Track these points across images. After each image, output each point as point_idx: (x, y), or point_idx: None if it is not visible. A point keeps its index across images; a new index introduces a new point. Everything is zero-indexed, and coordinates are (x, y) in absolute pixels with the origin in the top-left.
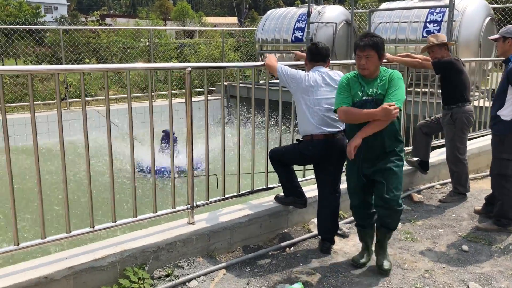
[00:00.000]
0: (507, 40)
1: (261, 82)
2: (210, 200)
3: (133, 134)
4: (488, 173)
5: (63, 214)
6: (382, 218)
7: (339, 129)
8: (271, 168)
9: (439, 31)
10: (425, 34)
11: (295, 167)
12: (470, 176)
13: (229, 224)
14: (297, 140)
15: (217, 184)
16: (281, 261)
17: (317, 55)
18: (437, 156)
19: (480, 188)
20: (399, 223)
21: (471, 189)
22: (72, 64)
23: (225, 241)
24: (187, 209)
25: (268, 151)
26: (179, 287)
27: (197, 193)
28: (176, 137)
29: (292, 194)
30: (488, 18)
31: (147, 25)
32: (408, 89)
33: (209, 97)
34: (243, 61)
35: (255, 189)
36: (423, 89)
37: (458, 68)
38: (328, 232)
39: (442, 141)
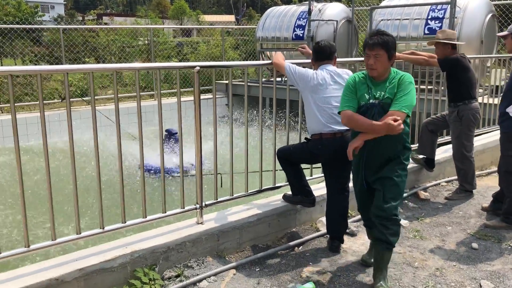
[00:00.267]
0: None
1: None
2: (218, 199)
3: (134, 133)
4: (492, 170)
5: (69, 215)
6: (378, 229)
7: (348, 128)
8: (278, 167)
9: (440, 28)
10: (426, 31)
11: (302, 165)
12: (475, 173)
13: (238, 223)
14: (305, 138)
15: (221, 183)
16: (291, 261)
17: (320, 54)
18: (442, 153)
19: (486, 185)
20: (407, 222)
21: (477, 186)
22: (71, 63)
23: (234, 241)
24: (195, 208)
25: (276, 150)
26: (190, 287)
27: (204, 192)
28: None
29: (300, 193)
30: (490, 15)
31: (146, 24)
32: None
33: (209, 96)
34: (243, 60)
35: (263, 188)
36: (428, 87)
37: (464, 65)
38: (337, 231)
39: (447, 138)
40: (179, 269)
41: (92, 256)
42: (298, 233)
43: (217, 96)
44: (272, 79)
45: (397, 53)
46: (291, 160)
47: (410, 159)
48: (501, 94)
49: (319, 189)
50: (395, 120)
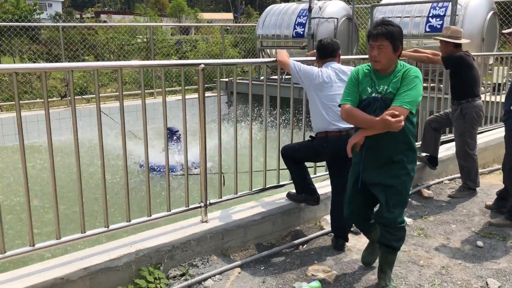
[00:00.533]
0: None
1: (261, 78)
2: (223, 198)
3: (135, 131)
4: (495, 168)
5: (74, 214)
6: (382, 234)
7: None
8: (282, 165)
9: (442, 25)
10: (427, 29)
11: (306, 164)
12: (478, 171)
13: (242, 222)
14: (310, 136)
15: (224, 181)
16: (295, 259)
17: (323, 52)
18: (445, 151)
19: (489, 183)
20: (411, 220)
21: (480, 184)
22: (70, 61)
23: (239, 239)
24: (200, 207)
25: (280, 148)
26: (195, 287)
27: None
28: (180, 134)
29: (305, 191)
30: (491, 13)
31: (146, 22)
32: None
33: (210, 94)
34: (242, 57)
35: (267, 186)
36: (431, 84)
37: (468, 63)
38: (342, 229)
39: (449, 136)
40: (184, 268)
41: (97, 255)
42: (303, 231)
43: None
44: (272, 77)
45: None
46: (295, 158)
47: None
48: (503, 92)
49: (323, 187)
50: (394, 116)
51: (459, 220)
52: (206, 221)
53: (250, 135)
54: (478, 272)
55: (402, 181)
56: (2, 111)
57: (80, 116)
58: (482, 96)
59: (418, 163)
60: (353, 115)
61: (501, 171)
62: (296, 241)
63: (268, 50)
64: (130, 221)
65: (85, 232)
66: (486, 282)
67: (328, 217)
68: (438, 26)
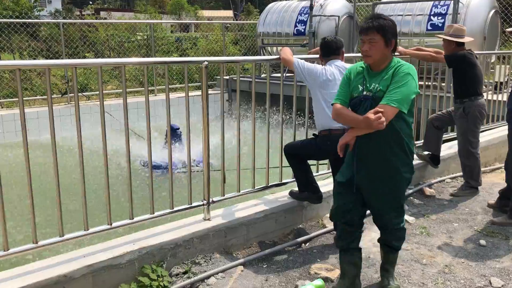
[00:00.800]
0: None
1: (262, 76)
2: (225, 196)
3: (132, 129)
4: (497, 166)
5: (76, 211)
6: (382, 234)
7: None
8: (285, 163)
9: (443, 24)
10: (429, 27)
11: (309, 162)
12: (481, 169)
13: (245, 220)
14: (313, 134)
15: (224, 178)
16: (298, 257)
17: (327, 49)
18: (447, 149)
19: (491, 181)
20: (413, 218)
21: (482, 183)
22: (70, 58)
23: (241, 237)
24: (203, 205)
25: (283, 146)
26: (198, 284)
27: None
28: (181, 132)
29: (307, 190)
30: (493, 11)
31: (146, 19)
32: (419, 82)
33: (210, 92)
34: (243, 55)
35: (269, 184)
36: (433, 83)
37: (471, 61)
38: None
39: (451, 134)
40: (187, 266)
41: (100, 253)
42: (305, 229)
43: (218, 92)
44: (273, 74)
45: (403, 49)
46: (299, 156)
47: (415, 155)
48: (505, 90)
49: (325, 185)
50: (377, 114)
51: (462, 218)
52: (208, 219)
53: (253, 133)
54: (481, 271)
55: (396, 184)
56: (2, 107)
57: (81, 113)
58: (485, 95)
59: (420, 161)
60: (341, 115)
61: (503, 169)
62: (298, 239)
63: (269, 48)
64: (133, 218)
65: (88, 230)
66: (490, 281)
67: None
68: (440, 24)
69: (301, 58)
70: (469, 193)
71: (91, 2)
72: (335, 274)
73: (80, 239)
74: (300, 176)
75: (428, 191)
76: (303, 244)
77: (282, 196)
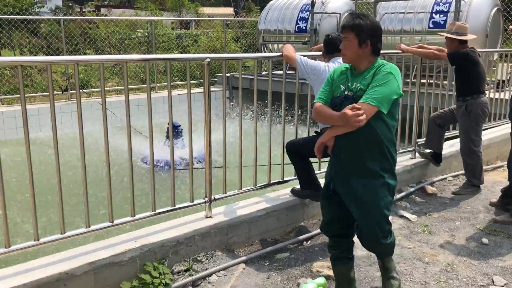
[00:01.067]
0: None
1: (263, 73)
2: (227, 193)
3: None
4: (498, 165)
5: (78, 208)
6: (366, 245)
7: None
8: (286, 160)
9: (445, 21)
10: (431, 25)
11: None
12: (483, 168)
13: (247, 217)
14: (315, 132)
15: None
16: (300, 255)
17: (331, 46)
18: (448, 148)
19: (493, 180)
20: (415, 217)
21: (484, 181)
22: (71, 55)
23: (243, 235)
24: (205, 202)
25: (285, 143)
26: (199, 282)
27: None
28: (181, 129)
29: (309, 187)
30: (495, 9)
31: (146, 16)
32: (421, 80)
33: (211, 89)
34: (243, 52)
35: (271, 182)
36: (435, 81)
37: (473, 59)
38: None
39: (453, 132)
40: (189, 263)
41: (102, 250)
42: (307, 227)
43: (219, 89)
44: (274, 72)
45: (405, 47)
46: (301, 153)
47: (417, 153)
48: (507, 89)
49: None
50: (355, 110)
51: (464, 217)
52: (210, 217)
53: (255, 130)
54: (484, 269)
55: (376, 192)
56: (2, 104)
57: (81, 110)
58: (487, 93)
59: (422, 159)
60: (319, 114)
61: (505, 168)
62: (300, 237)
63: (270, 45)
64: (134, 215)
65: (89, 227)
66: (492, 280)
67: None
68: (442, 22)
69: (303, 55)
70: (471, 192)
71: None
72: None
73: (82, 236)
74: (302, 173)
75: (430, 189)
76: (304, 242)
77: (284, 194)
